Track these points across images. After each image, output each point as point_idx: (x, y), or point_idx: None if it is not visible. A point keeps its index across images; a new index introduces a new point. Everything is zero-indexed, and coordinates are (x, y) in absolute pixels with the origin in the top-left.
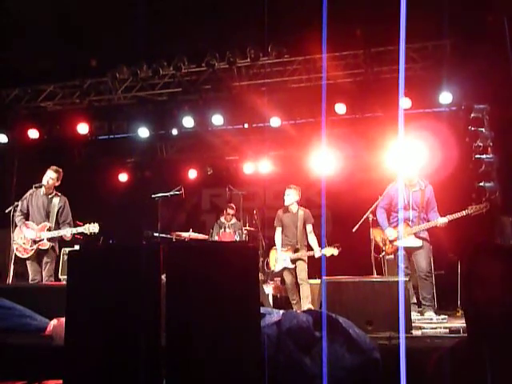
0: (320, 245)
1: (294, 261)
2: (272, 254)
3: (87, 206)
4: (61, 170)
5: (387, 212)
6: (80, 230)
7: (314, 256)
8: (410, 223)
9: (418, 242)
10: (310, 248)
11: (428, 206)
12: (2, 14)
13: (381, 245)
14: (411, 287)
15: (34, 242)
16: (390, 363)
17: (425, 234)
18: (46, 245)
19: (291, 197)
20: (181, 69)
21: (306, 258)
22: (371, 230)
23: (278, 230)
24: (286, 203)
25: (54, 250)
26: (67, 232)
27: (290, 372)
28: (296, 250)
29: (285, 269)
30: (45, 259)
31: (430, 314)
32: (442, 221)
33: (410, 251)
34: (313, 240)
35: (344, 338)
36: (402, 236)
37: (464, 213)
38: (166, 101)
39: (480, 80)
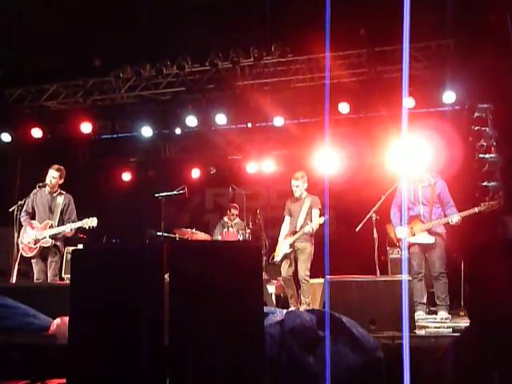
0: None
1: (292, 245)
2: (278, 244)
3: (90, 205)
4: (62, 167)
5: (400, 211)
6: (79, 224)
7: (309, 235)
8: (422, 219)
9: (431, 239)
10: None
11: (442, 201)
12: (4, 14)
13: (395, 240)
14: (423, 286)
15: (38, 240)
16: (393, 362)
17: (440, 230)
18: (48, 242)
19: (300, 187)
20: (184, 68)
21: (307, 247)
22: (377, 227)
23: (286, 219)
24: (297, 195)
25: (58, 249)
26: (67, 228)
27: (294, 371)
28: (294, 234)
29: (284, 257)
30: (50, 259)
31: (442, 313)
32: (455, 219)
33: (423, 248)
34: (315, 222)
35: (347, 337)
36: (415, 232)
37: (476, 210)
38: (170, 100)
39: (484, 79)
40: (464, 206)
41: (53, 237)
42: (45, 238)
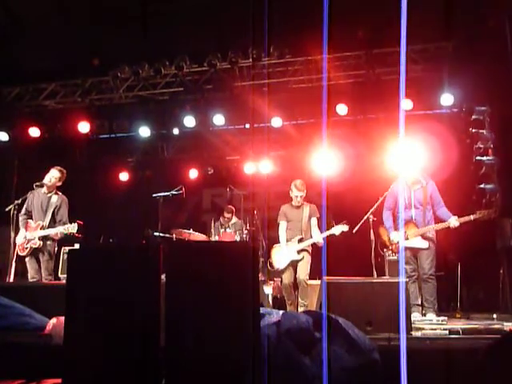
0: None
1: (299, 252)
2: (275, 251)
3: (88, 205)
4: (65, 171)
5: (393, 214)
6: (60, 229)
7: (316, 244)
8: (415, 222)
9: (425, 244)
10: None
11: (433, 202)
12: (4, 13)
13: (387, 244)
14: (417, 288)
15: (29, 240)
16: (389, 364)
17: (431, 234)
18: (36, 244)
19: (302, 197)
20: (182, 68)
21: (310, 252)
22: (374, 229)
23: (283, 225)
24: (299, 204)
25: (48, 250)
26: (52, 231)
27: (290, 372)
28: (301, 241)
29: (291, 263)
30: (41, 258)
31: (431, 315)
32: (454, 223)
33: (415, 251)
34: (316, 232)
35: (344, 338)
36: (408, 237)
37: (472, 217)
38: (168, 100)
39: (481, 82)
40: (461, 209)
41: (41, 238)
42: (34, 238)
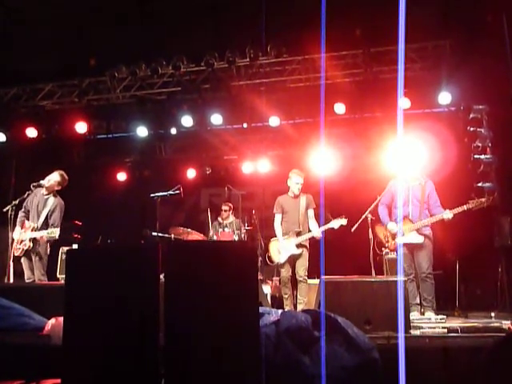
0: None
1: (298, 246)
2: (273, 245)
3: (86, 205)
4: (67, 177)
5: (389, 209)
6: (44, 233)
7: (314, 238)
8: (411, 218)
9: (420, 239)
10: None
11: (430, 200)
12: (1, 13)
13: (384, 242)
14: (415, 287)
15: (21, 241)
16: (388, 363)
17: (427, 231)
18: (26, 245)
19: (302, 185)
20: (180, 68)
21: (308, 248)
22: (372, 228)
23: (278, 217)
24: (298, 193)
25: (38, 250)
26: (37, 235)
27: (289, 371)
28: (299, 234)
29: (291, 257)
30: (33, 259)
31: (429, 314)
32: (447, 215)
33: (412, 248)
34: (313, 224)
35: (343, 337)
36: (404, 232)
37: (465, 207)
38: (165, 100)
39: (479, 80)
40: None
41: (31, 240)
42: (25, 240)
